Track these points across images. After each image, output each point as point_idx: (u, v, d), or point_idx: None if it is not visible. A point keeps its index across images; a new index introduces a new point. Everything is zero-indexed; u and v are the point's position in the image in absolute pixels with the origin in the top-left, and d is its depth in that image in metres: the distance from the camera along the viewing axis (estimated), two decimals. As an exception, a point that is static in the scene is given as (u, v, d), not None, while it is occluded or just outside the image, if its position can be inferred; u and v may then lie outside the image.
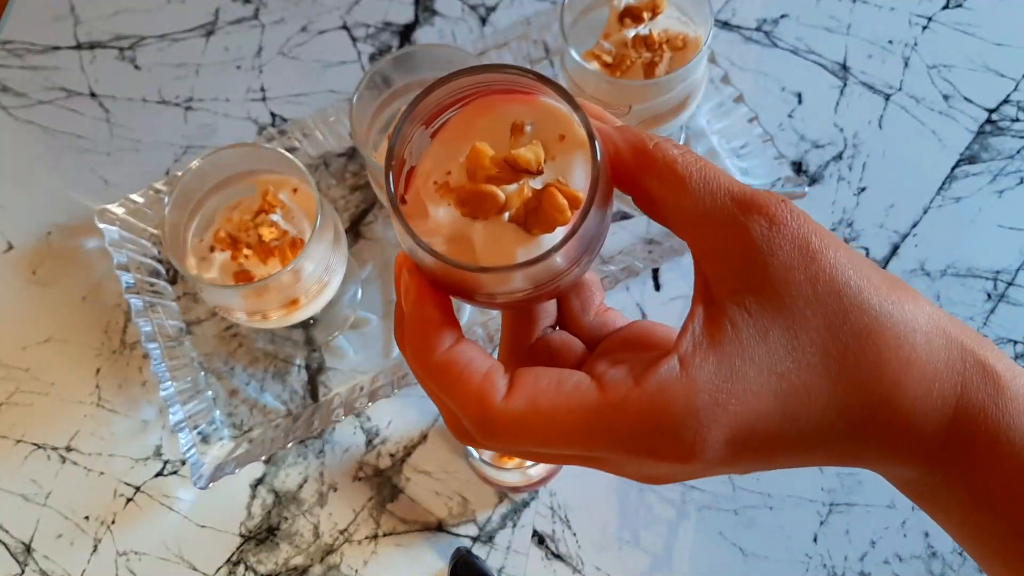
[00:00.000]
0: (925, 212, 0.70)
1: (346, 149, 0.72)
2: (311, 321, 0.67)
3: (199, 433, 0.62)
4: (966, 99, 0.74)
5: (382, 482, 0.64)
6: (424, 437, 0.65)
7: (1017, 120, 0.73)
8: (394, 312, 0.27)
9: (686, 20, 0.60)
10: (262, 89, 0.77)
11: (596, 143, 0.23)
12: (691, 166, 0.25)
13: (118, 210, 0.67)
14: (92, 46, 0.79)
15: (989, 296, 0.68)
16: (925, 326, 0.24)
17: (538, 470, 0.59)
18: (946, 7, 0.78)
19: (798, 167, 0.72)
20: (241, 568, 0.62)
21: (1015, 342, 0.66)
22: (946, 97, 0.74)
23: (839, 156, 0.72)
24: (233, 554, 0.62)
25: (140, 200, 0.67)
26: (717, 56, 0.71)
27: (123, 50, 0.79)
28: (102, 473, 0.64)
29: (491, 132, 0.25)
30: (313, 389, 0.66)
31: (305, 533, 0.62)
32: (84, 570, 0.62)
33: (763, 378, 0.23)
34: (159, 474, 0.64)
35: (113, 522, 0.63)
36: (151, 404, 0.66)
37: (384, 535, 0.62)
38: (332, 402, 0.64)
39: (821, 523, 0.62)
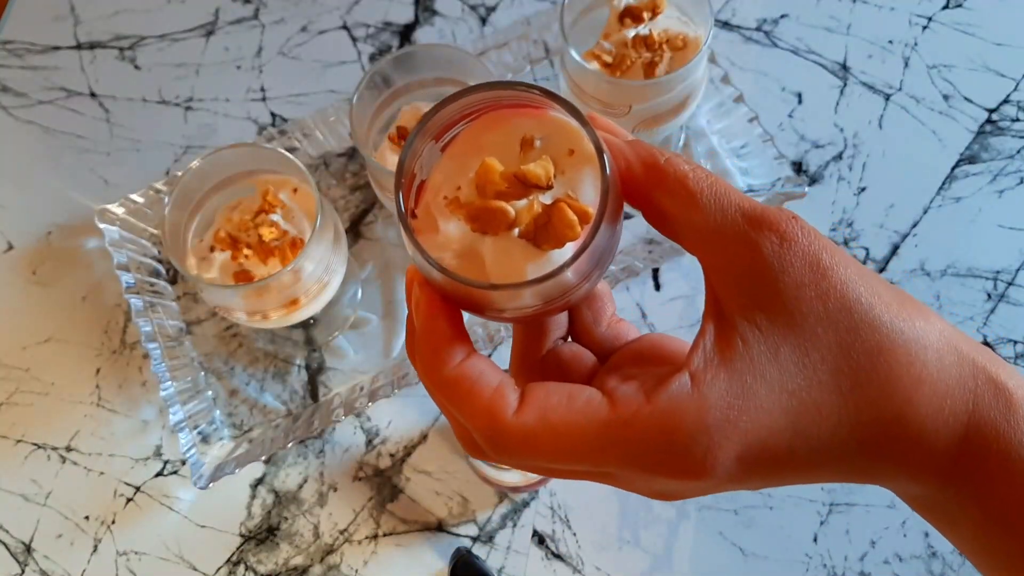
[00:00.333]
0: (925, 212, 0.70)
1: (346, 149, 0.72)
2: (311, 321, 0.67)
3: (199, 433, 0.62)
4: (966, 99, 0.74)
5: (382, 482, 0.64)
6: (424, 437, 0.65)
7: (1017, 120, 0.73)
8: (406, 326, 0.27)
9: (686, 20, 0.60)
10: (262, 89, 0.77)
11: (605, 157, 0.23)
12: (702, 182, 0.25)
13: (118, 210, 0.67)
14: (92, 46, 0.79)
15: (989, 296, 0.68)
16: (936, 343, 0.24)
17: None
18: (946, 7, 0.78)
19: (798, 167, 0.72)
20: (241, 568, 0.62)
21: (1015, 342, 0.66)
22: (946, 97, 0.74)
23: (839, 156, 0.72)
24: (233, 554, 0.62)
25: (140, 200, 0.67)
26: (717, 56, 0.71)
27: (123, 50, 0.79)
28: (102, 473, 0.64)
29: (501, 147, 0.25)
30: (313, 389, 0.66)
31: (305, 533, 0.62)
32: (84, 570, 0.62)
33: (774, 395, 0.23)
34: (159, 474, 0.64)
35: (113, 522, 0.63)
36: (151, 404, 0.66)
37: (384, 535, 0.62)
38: (332, 402, 0.64)
39: (821, 523, 0.62)
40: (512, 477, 0.59)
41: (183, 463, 0.64)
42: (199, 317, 0.68)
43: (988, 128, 0.73)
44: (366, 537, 0.62)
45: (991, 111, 0.74)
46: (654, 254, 0.66)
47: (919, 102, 0.74)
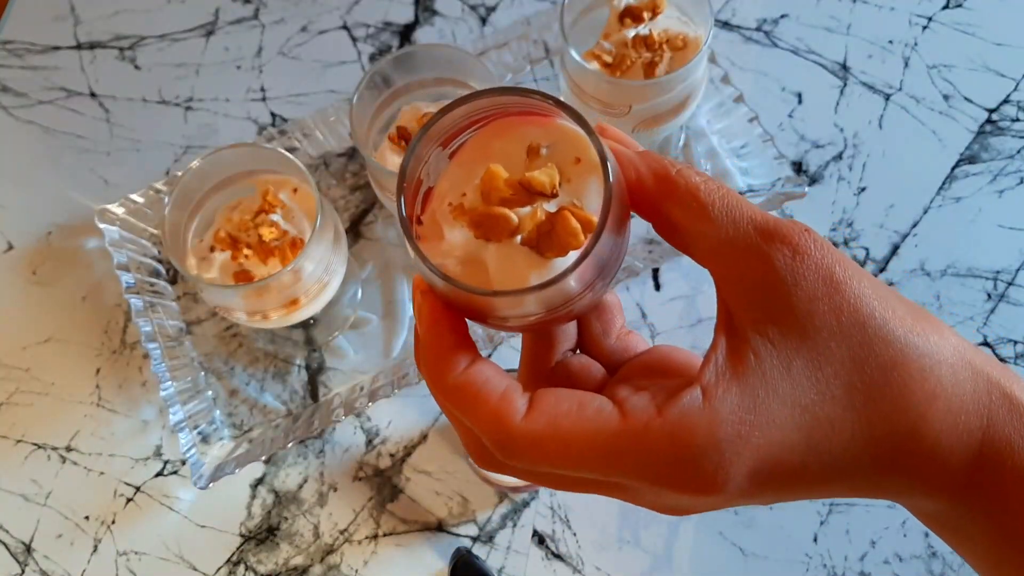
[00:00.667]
0: (925, 212, 0.70)
1: (346, 149, 0.72)
2: (311, 321, 0.67)
3: (199, 433, 0.62)
4: (966, 99, 0.74)
5: (382, 482, 0.64)
6: (424, 437, 0.65)
7: (1017, 120, 0.73)
8: (413, 334, 0.27)
9: (686, 20, 0.60)
10: (262, 89, 0.77)
11: (608, 164, 0.23)
12: (714, 194, 0.24)
13: (118, 210, 0.67)
14: (92, 46, 0.79)
15: (989, 296, 0.68)
16: (950, 358, 0.24)
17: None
18: (946, 7, 0.78)
19: (798, 167, 0.72)
20: (241, 568, 0.62)
21: (1015, 342, 0.66)
22: (946, 97, 0.74)
23: (839, 156, 0.72)
24: (233, 554, 0.62)
25: (140, 200, 0.67)
26: (717, 56, 0.71)
27: (123, 50, 0.79)
28: (102, 473, 0.64)
29: (508, 154, 0.25)
30: (313, 389, 0.66)
31: (305, 533, 0.62)
32: (84, 570, 0.62)
33: (786, 410, 0.23)
34: (159, 474, 0.64)
35: (113, 522, 0.63)
36: (151, 404, 0.66)
37: (384, 535, 0.62)
38: (332, 402, 0.64)
39: (821, 523, 0.62)
40: (512, 477, 0.59)
41: (183, 463, 0.64)
42: (199, 317, 0.68)
43: (988, 128, 0.73)
44: (366, 537, 0.62)
45: (991, 111, 0.74)
46: (654, 254, 0.66)
47: (919, 102, 0.74)
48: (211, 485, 0.59)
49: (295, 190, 0.59)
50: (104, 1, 0.81)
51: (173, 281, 0.69)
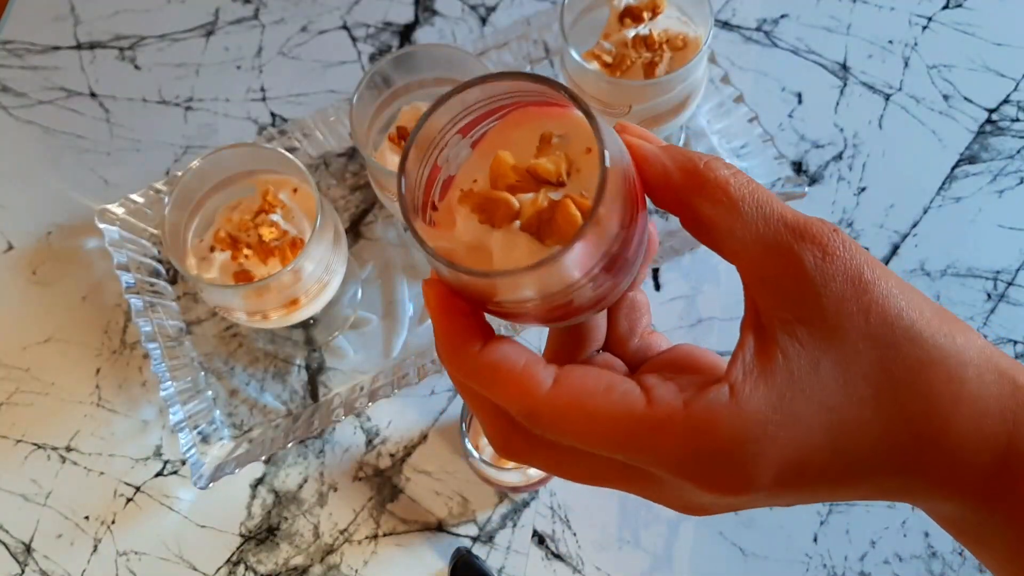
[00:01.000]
0: (925, 212, 0.70)
1: (346, 149, 0.72)
2: (311, 321, 0.67)
3: (199, 433, 0.62)
4: (966, 99, 0.74)
5: (382, 482, 0.64)
6: (424, 437, 0.65)
7: (1017, 120, 0.73)
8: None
9: (686, 20, 0.60)
10: (262, 89, 0.77)
11: (604, 152, 0.22)
12: (743, 188, 0.24)
13: (118, 210, 0.67)
14: (92, 46, 0.79)
15: (989, 296, 0.68)
16: (976, 360, 0.24)
17: (538, 470, 0.59)
18: (946, 7, 0.78)
19: (798, 167, 0.72)
20: (241, 568, 0.62)
21: (1015, 342, 0.66)
22: (946, 97, 0.74)
23: (839, 156, 0.72)
24: (233, 554, 0.62)
25: (140, 200, 0.67)
26: (717, 56, 0.71)
27: (123, 50, 0.79)
28: (102, 473, 0.64)
29: (525, 143, 0.25)
30: (313, 389, 0.66)
31: (305, 533, 0.62)
32: (84, 570, 0.62)
33: (813, 411, 0.23)
34: (159, 474, 0.64)
35: (113, 522, 0.63)
36: (151, 404, 0.66)
37: (384, 535, 0.62)
38: (332, 402, 0.64)
39: (821, 523, 0.62)
40: (512, 477, 0.59)
41: (183, 463, 0.64)
42: (199, 317, 0.68)
43: (988, 128, 0.73)
44: (366, 537, 0.62)
45: (991, 111, 0.74)
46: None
47: (919, 102, 0.74)
48: (211, 485, 0.59)
49: (295, 190, 0.59)
50: (104, 1, 0.81)
51: (173, 281, 0.69)
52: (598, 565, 0.61)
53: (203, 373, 0.66)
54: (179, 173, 0.60)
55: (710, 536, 0.61)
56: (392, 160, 0.60)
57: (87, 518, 0.63)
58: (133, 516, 0.63)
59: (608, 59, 0.58)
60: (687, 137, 0.72)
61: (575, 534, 0.62)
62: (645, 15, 0.59)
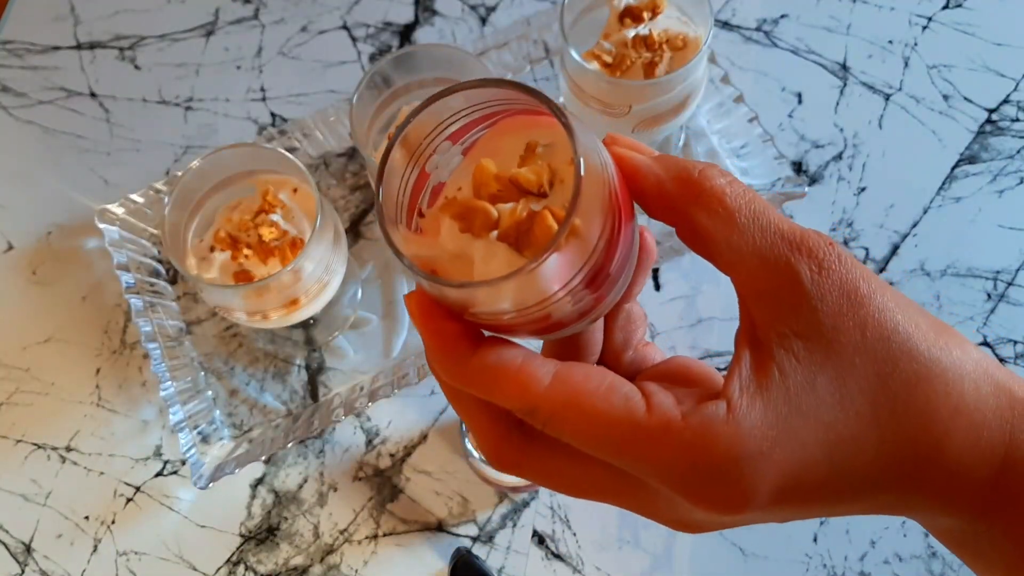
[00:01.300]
0: (925, 212, 0.70)
1: (346, 149, 0.72)
2: (311, 321, 0.67)
3: (199, 433, 0.62)
4: (966, 99, 0.74)
5: (382, 482, 0.64)
6: (424, 437, 0.65)
7: (1017, 120, 0.73)
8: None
9: (686, 20, 0.60)
10: (262, 89, 0.77)
11: (580, 161, 0.22)
12: (740, 199, 0.24)
13: (118, 210, 0.67)
14: (92, 46, 0.79)
15: (989, 296, 0.68)
16: (973, 372, 0.24)
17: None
18: (946, 7, 0.78)
19: (798, 167, 0.72)
20: (241, 568, 0.62)
21: (1015, 342, 0.66)
22: (946, 97, 0.74)
23: (839, 156, 0.72)
24: (233, 554, 0.62)
25: (140, 200, 0.67)
26: (717, 56, 0.71)
27: (123, 50, 0.79)
28: (102, 473, 0.64)
29: (512, 152, 0.25)
30: (313, 389, 0.66)
31: (305, 533, 0.62)
32: (84, 570, 0.62)
33: (809, 427, 0.22)
34: (159, 474, 0.64)
35: (113, 522, 0.63)
36: (151, 404, 0.66)
37: (384, 535, 0.62)
38: (332, 402, 0.64)
39: (821, 523, 0.62)
40: (512, 477, 0.59)
41: (183, 463, 0.64)
42: (199, 317, 0.68)
43: (988, 128, 0.73)
44: (366, 537, 0.62)
45: (991, 111, 0.74)
46: (654, 254, 0.66)
47: (919, 102, 0.74)
48: (211, 485, 0.59)
49: (295, 190, 0.59)
50: (104, 1, 0.81)
51: (173, 281, 0.69)
52: (598, 565, 0.61)
53: (203, 373, 0.66)
54: (179, 173, 0.60)
55: (710, 536, 0.61)
56: (392, 160, 0.60)
57: (87, 518, 0.63)
58: (133, 516, 0.63)
59: (608, 59, 0.58)
60: (687, 137, 0.72)
61: (575, 534, 0.62)
62: (645, 15, 0.59)
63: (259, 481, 0.64)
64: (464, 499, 0.63)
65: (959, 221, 0.70)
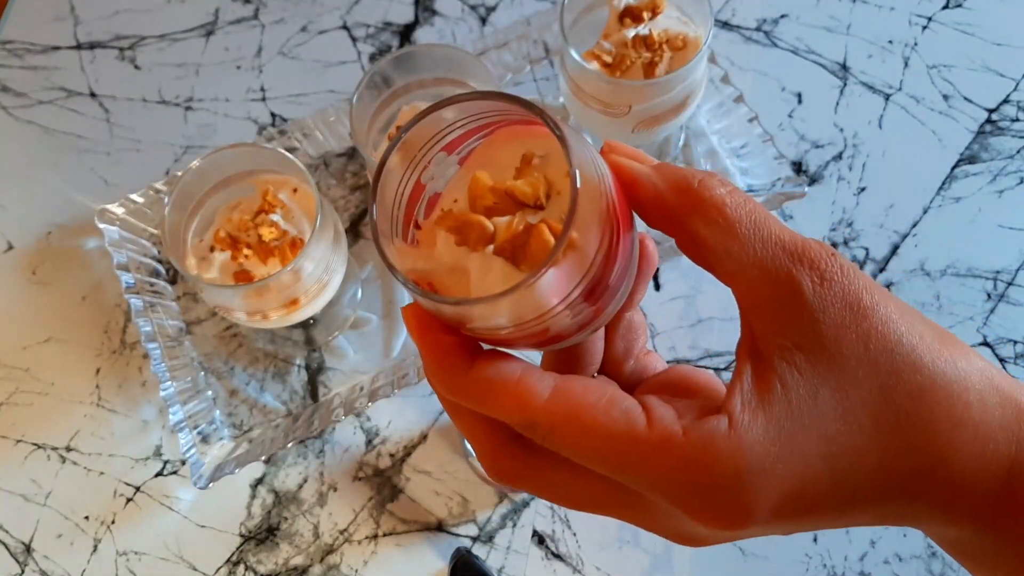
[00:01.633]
0: (925, 212, 0.70)
1: (346, 149, 0.72)
2: (311, 321, 0.67)
3: (199, 433, 0.62)
4: (966, 99, 0.74)
5: (382, 482, 0.64)
6: (424, 437, 0.65)
7: (1017, 120, 0.73)
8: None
9: (686, 20, 0.60)
10: (262, 89, 0.77)
11: (576, 173, 0.21)
12: (740, 209, 0.23)
13: (118, 210, 0.67)
14: (92, 46, 0.79)
15: (989, 296, 0.68)
16: (978, 383, 0.23)
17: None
18: (946, 7, 0.78)
19: (798, 167, 0.72)
20: (241, 568, 0.62)
21: (1015, 342, 0.66)
22: (946, 97, 0.74)
23: (839, 156, 0.72)
24: (233, 554, 0.62)
25: (140, 200, 0.67)
26: (717, 56, 0.71)
27: (123, 50, 0.79)
28: (102, 473, 0.64)
29: (508, 163, 0.24)
30: (313, 389, 0.66)
31: (305, 533, 0.62)
32: (84, 570, 0.62)
33: (812, 441, 0.22)
34: (159, 474, 0.64)
35: (113, 522, 0.63)
36: (151, 404, 0.66)
37: (384, 535, 0.62)
38: (332, 402, 0.64)
39: (821, 523, 0.62)
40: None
41: (183, 463, 0.64)
42: (199, 317, 0.68)
43: (988, 128, 0.73)
44: (366, 537, 0.62)
45: (991, 111, 0.74)
46: (654, 254, 0.66)
47: (919, 102, 0.74)
48: (211, 485, 0.59)
49: (295, 190, 0.59)
50: (104, 1, 0.81)
51: (173, 281, 0.69)
52: (598, 565, 0.61)
53: (203, 373, 0.66)
54: (179, 173, 0.60)
55: (710, 536, 0.61)
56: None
57: (87, 518, 0.63)
58: (133, 516, 0.63)
59: (608, 59, 0.58)
60: (687, 137, 0.72)
61: (575, 534, 0.62)
62: (645, 15, 0.59)
63: (259, 481, 0.64)
64: (464, 499, 0.63)
65: (959, 221, 0.70)
